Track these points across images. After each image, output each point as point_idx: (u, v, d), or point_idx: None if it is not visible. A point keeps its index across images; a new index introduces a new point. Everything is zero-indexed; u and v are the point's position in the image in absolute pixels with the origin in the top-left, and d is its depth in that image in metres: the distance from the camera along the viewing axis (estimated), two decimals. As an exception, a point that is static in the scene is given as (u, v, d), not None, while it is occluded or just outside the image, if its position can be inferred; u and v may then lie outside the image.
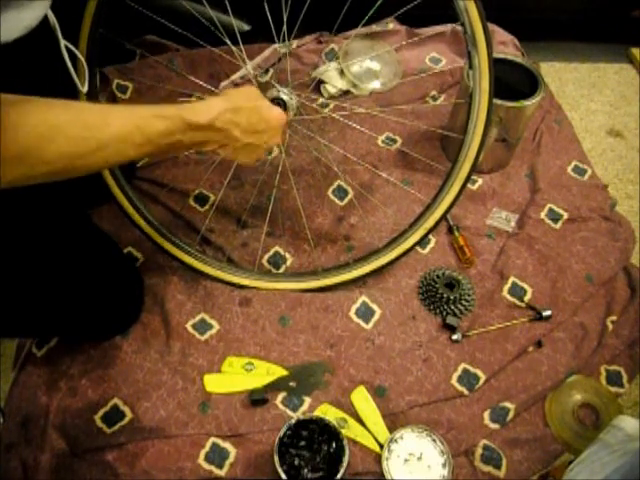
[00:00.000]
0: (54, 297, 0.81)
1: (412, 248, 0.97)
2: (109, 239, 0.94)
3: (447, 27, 1.49)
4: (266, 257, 1.07)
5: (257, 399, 0.87)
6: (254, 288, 1.00)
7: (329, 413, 0.87)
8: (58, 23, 0.69)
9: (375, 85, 1.35)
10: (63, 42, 0.73)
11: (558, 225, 1.13)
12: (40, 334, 0.92)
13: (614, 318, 1.00)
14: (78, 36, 0.82)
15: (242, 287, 1.00)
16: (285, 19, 0.88)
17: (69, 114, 0.52)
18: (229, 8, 0.96)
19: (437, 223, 0.94)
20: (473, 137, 0.86)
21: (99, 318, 0.90)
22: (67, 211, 0.86)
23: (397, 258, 0.98)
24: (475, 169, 0.88)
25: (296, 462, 0.78)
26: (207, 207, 1.13)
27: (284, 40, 0.90)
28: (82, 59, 0.81)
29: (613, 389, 0.93)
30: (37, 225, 0.78)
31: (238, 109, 0.68)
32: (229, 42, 0.93)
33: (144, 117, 0.58)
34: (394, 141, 1.27)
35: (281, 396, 0.89)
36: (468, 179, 0.89)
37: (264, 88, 0.81)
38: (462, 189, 0.90)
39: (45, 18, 0.64)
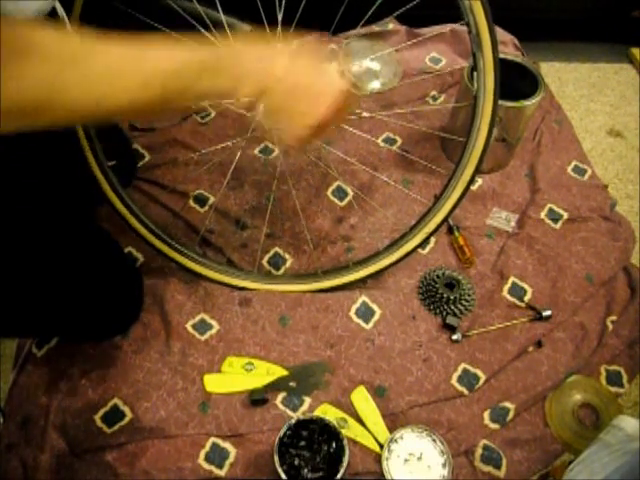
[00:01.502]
0: (54, 296, 0.81)
1: (413, 251, 0.97)
2: (110, 238, 0.94)
3: (447, 27, 1.49)
4: (266, 258, 1.07)
5: (257, 399, 0.87)
6: (253, 290, 1.00)
7: (329, 413, 0.87)
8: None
9: (375, 85, 1.35)
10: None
11: (558, 225, 1.13)
12: (40, 334, 0.92)
13: (614, 318, 1.00)
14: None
15: (242, 289, 1.00)
16: (280, 20, 0.87)
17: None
18: (230, 8, 0.95)
19: (438, 227, 0.93)
20: (477, 140, 0.85)
21: (99, 318, 0.90)
22: (68, 209, 0.86)
23: (397, 261, 0.98)
24: (478, 172, 0.88)
25: (296, 462, 0.78)
26: (207, 208, 1.13)
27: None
28: None
29: (613, 389, 0.93)
30: (37, 223, 0.78)
31: (295, 56, 0.58)
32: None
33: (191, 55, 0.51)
34: (394, 141, 1.27)
35: (281, 396, 0.89)
36: (471, 182, 0.88)
37: None
38: (464, 193, 0.89)
39: (54, 10, 0.64)
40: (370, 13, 0.93)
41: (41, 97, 0.42)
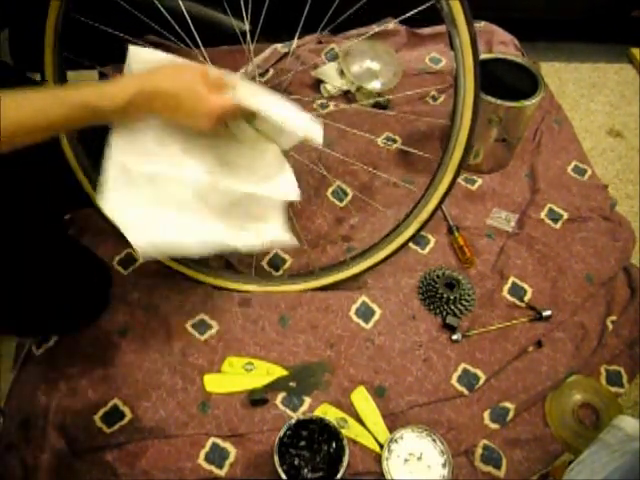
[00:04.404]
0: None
1: (408, 242, 0.97)
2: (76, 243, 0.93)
3: (447, 27, 1.49)
4: (266, 259, 1.07)
5: (257, 399, 0.87)
6: (250, 292, 1.00)
7: (329, 413, 0.87)
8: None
9: (375, 85, 1.35)
10: None
11: (558, 225, 1.13)
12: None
13: (614, 318, 1.00)
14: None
15: (239, 292, 1.00)
16: (247, 21, 0.86)
17: None
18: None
19: (431, 215, 0.93)
20: (462, 122, 0.83)
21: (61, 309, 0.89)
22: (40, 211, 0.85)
23: (393, 253, 0.97)
24: (467, 157, 0.86)
25: (296, 462, 0.78)
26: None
27: (255, 42, 0.88)
28: None
29: (613, 389, 0.93)
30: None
31: (156, 94, 0.63)
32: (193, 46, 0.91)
33: (46, 103, 0.59)
34: (394, 141, 1.27)
35: (281, 396, 0.89)
36: (460, 167, 0.87)
37: None
38: (455, 178, 0.88)
39: None
40: (357, 6, 0.91)
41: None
